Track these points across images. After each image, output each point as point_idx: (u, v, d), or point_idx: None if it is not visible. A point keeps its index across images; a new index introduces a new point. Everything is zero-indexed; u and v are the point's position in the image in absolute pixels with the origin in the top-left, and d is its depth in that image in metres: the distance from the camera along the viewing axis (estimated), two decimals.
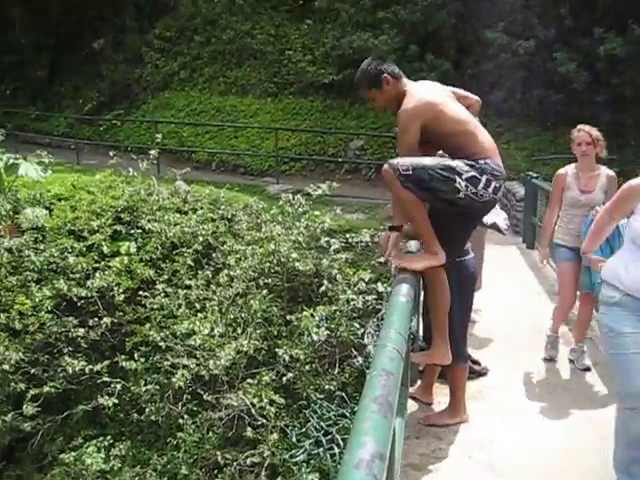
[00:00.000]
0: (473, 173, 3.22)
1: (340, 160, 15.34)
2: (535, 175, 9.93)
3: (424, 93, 3.36)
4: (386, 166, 3.24)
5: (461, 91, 3.71)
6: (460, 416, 3.90)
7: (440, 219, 3.31)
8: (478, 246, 5.54)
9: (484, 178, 3.23)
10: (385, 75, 3.37)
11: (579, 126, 5.28)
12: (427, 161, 3.25)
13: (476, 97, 3.80)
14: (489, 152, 3.33)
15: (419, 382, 4.31)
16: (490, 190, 3.25)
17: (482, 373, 4.66)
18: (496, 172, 3.27)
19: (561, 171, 5.37)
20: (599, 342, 5.45)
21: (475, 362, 4.60)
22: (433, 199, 3.26)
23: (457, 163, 3.24)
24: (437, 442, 3.66)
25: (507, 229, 5.41)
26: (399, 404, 2.78)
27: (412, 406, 4.07)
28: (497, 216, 5.13)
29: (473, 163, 3.25)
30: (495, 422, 3.98)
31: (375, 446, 1.38)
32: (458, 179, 3.19)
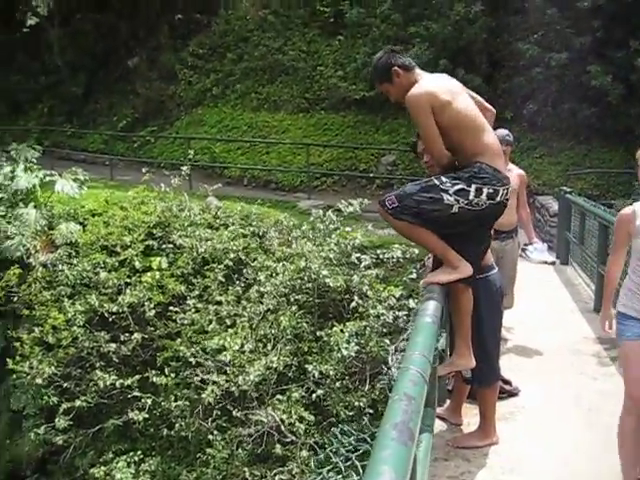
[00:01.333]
0: (460, 186, 3.17)
1: (372, 175, 15.30)
2: (569, 190, 9.78)
3: (432, 82, 3.35)
4: (378, 205, 3.30)
5: (478, 97, 3.65)
6: (490, 438, 3.80)
7: (450, 238, 3.28)
8: (510, 264, 5.50)
9: (473, 187, 3.18)
10: (395, 68, 3.36)
11: None
12: (410, 188, 3.25)
13: (492, 108, 3.74)
14: (489, 154, 3.29)
15: (448, 402, 4.23)
16: (484, 197, 3.20)
17: (513, 393, 4.56)
18: (488, 177, 3.21)
19: (626, 211, 3.65)
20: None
21: (506, 382, 4.50)
22: (432, 221, 3.21)
23: (442, 179, 3.20)
24: (466, 465, 3.57)
25: (555, 261, 5.52)
26: (425, 427, 2.73)
27: (441, 427, 3.99)
28: (542, 254, 5.44)
29: (461, 174, 3.21)
30: (526, 444, 3.87)
31: (393, 476, 1.33)
32: (445, 196, 3.16)
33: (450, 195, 3.16)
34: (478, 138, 3.30)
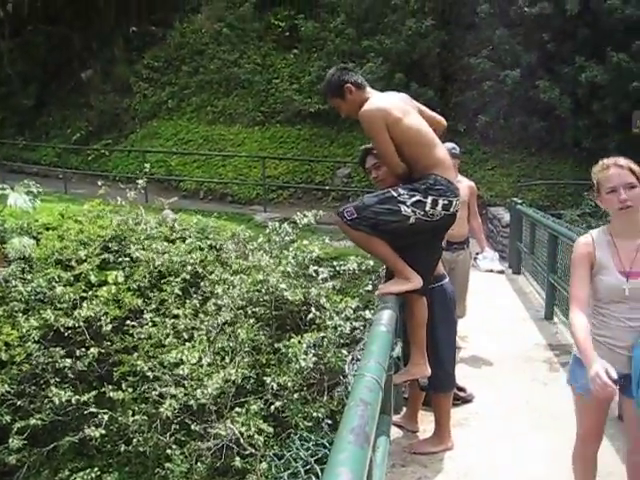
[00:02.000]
0: (417, 197, 3.29)
1: (327, 188, 15.44)
2: (520, 201, 10.04)
3: (384, 99, 3.47)
4: (335, 216, 3.38)
5: (428, 110, 3.78)
6: (445, 444, 3.91)
7: (404, 249, 3.38)
8: (462, 274, 5.65)
9: (430, 199, 3.30)
10: (348, 85, 3.47)
11: (607, 161, 3.10)
12: (368, 200, 3.34)
13: (442, 118, 3.87)
14: (442, 166, 3.41)
15: (404, 410, 4.32)
16: (439, 208, 3.32)
17: (467, 400, 4.68)
18: (443, 189, 3.33)
19: (582, 239, 3.08)
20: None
21: (460, 389, 4.62)
22: (389, 233, 3.31)
23: (399, 191, 3.31)
24: (422, 470, 3.67)
25: (503, 270, 5.74)
26: (382, 432, 2.81)
27: (397, 434, 4.08)
28: (491, 262, 5.54)
29: (417, 186, 3.32)
30: (480, 450, 3.99)
31: (350, 477, 1.41)
32: (403, 207, 3.27)
33: (407, 207, 3.27)
34: (430, 152, 3.41)
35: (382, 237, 3.32)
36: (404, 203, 3.28)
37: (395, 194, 3.30)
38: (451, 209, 3.37)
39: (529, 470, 3.77)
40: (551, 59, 13.83)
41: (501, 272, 5.87)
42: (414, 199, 3.28)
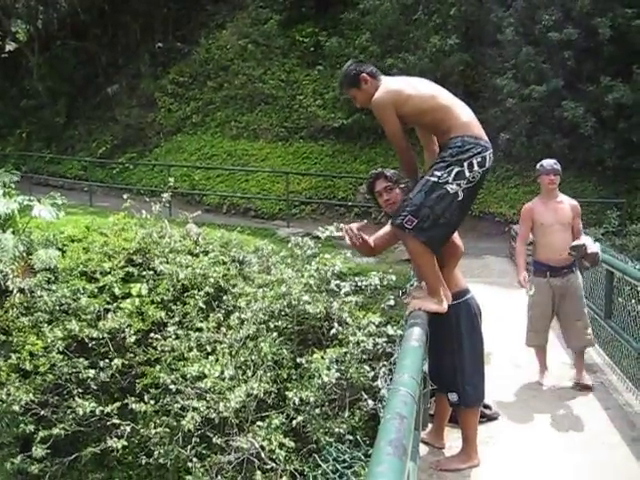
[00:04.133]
0: (455, 169, 3.37)
1: (350, 204, 15.47)
2: None
3: (392, 83, 3.59)
4: (394, 230, 3.53)
5: None
6: (472, 460, 3.89)
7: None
8: (577, 300, 5.52)
9: (465, 164, 3.38)
10: (363, 75, 3.58)
11: None
12: (416, 199, 3.40)
13: None
14: (464, 125, 3.49)
15: (430, 426, 4.31)
16: (476, 168, 3.41)
17: (493, 417, 4.65)
18: (472, 147, 3.42)
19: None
20: (610, 387, 5.46)
21: (486, 406, 4.59)
22: (450, 215, 3.41)
23: (436, 174, 3.38)
24: None
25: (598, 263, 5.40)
26: (412, 447, 2.81)
27: (424, 450, 4.07)
28: (594, 245, 5.23)
29: (448, 158, 3.40)
30: (506, 467, 3.97)
31: None
32: (449, 187, 3.36)
33: (451, 183, 3.36)
34: (449, 112, 3.51)
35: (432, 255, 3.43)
36: (447, 182, 3.37)
37: (434, 179, 3.38)
38: (487, 164, 3.47)
39: None
40: (576, 77, 13.78)
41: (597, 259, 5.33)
42: (453, 173, 3.37)
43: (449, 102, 3.56)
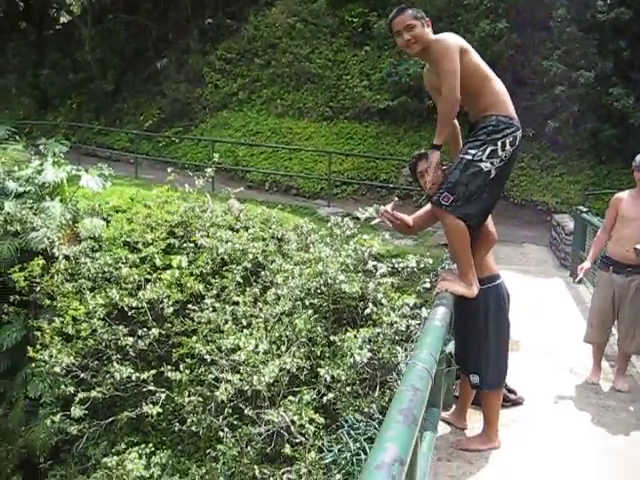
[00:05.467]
0: (489, 148, 3.47)
1: (392, 186, 15.46)
2: (585, 210, 9.86)
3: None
4: (433, 208, 3.60)
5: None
6: (492, 442, 3.95)
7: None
8: (637, 304, 5.26)
9: (499, 144, 3.48)
10: (428, 20, 3.66)
11: None
12: (453, 176, 3.50)
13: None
14: (502, 104, 3.58)
15: (454, 407, 4.37)
16: (508, 147, 3.52)
17: (517, 402, 4.69)
18: (505, 127, 3.51)
19: None
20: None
21: (511, 391, 4.64)
22: (484, 192, 3.52)
23: (471, 152, 3.48)
24: (468, 466, 3.73)
25: None
26: (429, 423, 2.89)
27: (446, 430, 4.14)
28: None
29: (482, 137, 3.49)
30: (526, 450, 4.02)
31: (397, 451, 1.51)
32: (483, 165, 3.46)
33: (485, 161, 3.46)
34: (490, 85, 3.60)
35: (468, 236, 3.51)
36: (481, 160, 3.47)
37: (469, 157, 3.49)
38: (517, 142, 3.56)
39: (574, 473, 3.78)
40: (627, 66, 13.49)
41: None
42: (487, 151, 3.48)
43: (492, 74, 3.65)
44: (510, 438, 4.07)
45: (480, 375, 3.76)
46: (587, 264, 5.58)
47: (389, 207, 3.85)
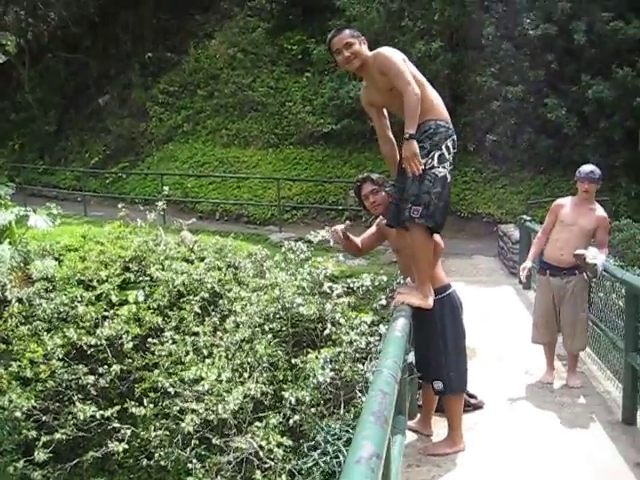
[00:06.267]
0: (436, 154, 3.67)
1: (341, 208, 15.70)
2: (528, 218, 10.25)
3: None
4: (408, 224, 3.73)
5: None
6: (457, 446, 4.13)
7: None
8: (573, 304, 5.44)
9: (443, 148, 3.69)
10: (363, 37, 3.88)
11: None
12: (412, 189, 3.67)
13: None
14: (437, 109, 3.79)
15: (418, 416, 4.54)
16: (451, 148, 3.73)
17: (478, 406, 4.89)
18: (443, 131, 3.72)
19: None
20: (590, 376, 5.72)
21: (472, 396, 4.83)
22: (445, 196, 3.72)
23: (422, 161, 3.62)
24: (436, 469, 3.90)
25: (597, 276, 5.30)
26: (398, 431, 3.05)
27: (413, 437, 4.30)
28: (599, 258, 5.15)
29: (426, 145, 3.66)
30: (490, 451, 4.20)
31: (373, 447, 1.66)
32: (436, 171, 3.65)
33: (438, 167, 3.65)
34: (425, 92, 3.74)
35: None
36: (433, 167, 3.65)
37: (422, 167, 3.62)
38: (456, 145, 3.79)
39: (539, 468, 3.98)
40: (557, 78, 14.10)
41: (597, 273, 5.19)
42: (436, 157, 3.66)
43: (426, 82, 3.83)
44: (474, 440, 4.25)
45: (443, 381, 3.94)
46: (528, 263, 5.82)
47: (340, 227, 4.03)
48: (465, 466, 3.96)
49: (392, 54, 3.73)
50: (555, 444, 4.32)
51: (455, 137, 3.79)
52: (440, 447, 4.14)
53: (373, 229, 4.18)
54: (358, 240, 4.14)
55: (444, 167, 3.66)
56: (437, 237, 3.96)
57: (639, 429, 4.47)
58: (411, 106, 3.61)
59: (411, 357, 3.63)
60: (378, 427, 1.79)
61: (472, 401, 4.82)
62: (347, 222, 4.34)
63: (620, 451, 4.14)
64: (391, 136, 4.03)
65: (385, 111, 4.02)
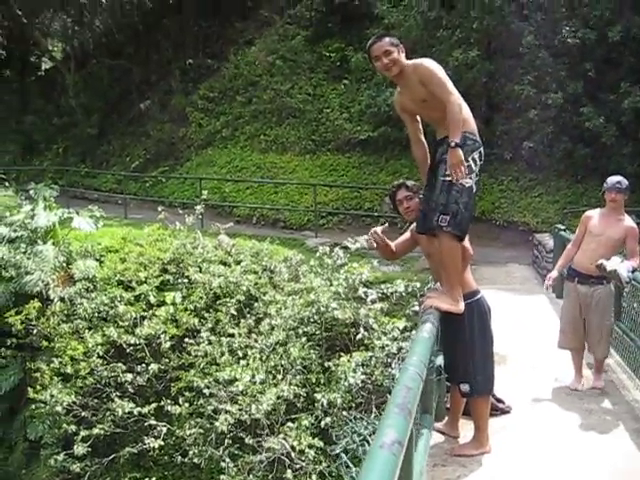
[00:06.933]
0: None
1: (376, 214, 15.79)
2: (563, 227, 10.23)
3: None
4: (436, 232, 3.86)
5: None
6: (483, 447, 4.22)
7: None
8: (598, 312, 5.58)
9: (470, 160, 3.81)
10: (402, 46, 3.99)
11: None
12: (439, 199, 3.82)
13: None
14: (468, 122, 3.90)
15: (446, 418, 4.64)
16: (477, 161, 3.87)
17: (505, 411, 4.97)
18: (471, 143, 3.85)
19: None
20: (620, 385, 5.75)
21: (499, 400, 4.92)
22: (472, 206, 3.89)
23: (448, 173, 3.77)
24: (462, 469, 4.00)
25: (627, 282, 5.35)
26: (424, 427, 3.17)
27: (440, 439, 4.41)
28: (620, 265, 5.23)
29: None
30: (517, 454, 4.29)
31: (395, 435, 1.79)
32: (463, 182, 3.77)
33: (465, 177, 3.77)
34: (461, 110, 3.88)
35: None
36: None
37: (449, 178, 3.78)
38: (482, 157, 3.92)
39: (563, 472, 4.05)
40: (595, 87, 14.03)
41: (623, 281, 5.24)
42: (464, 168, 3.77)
43: (459, 95, 3.93)
44: (500, 443, 4.34)
45: (470, 383, 4.05)
46: (554, 273, 5.98)
47: (379, 229, 4.17)
48: (490, 467, 4.05)
49: (434, 65, 3.88)
50: (580, 449, 4.38)
51: (482, 149, 3.91)
52: (466, 448, 4.24)
53: (407, 235, 4.32)
54: (393, 245, 4.28)
55: (470, 178, 3.79)
56: (466, 243, 4.07)
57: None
58: (455, 116, 3.76)
59: (440, 360, 3.75)
60: (401, 418, 1.92)
61: (500, 405, 4.90)
62: (386, 224, 4.49)
63: None
64: (424, 140, 4.17)
65: (418, 116, 4.16)
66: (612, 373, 5.81)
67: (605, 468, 4.13)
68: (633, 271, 5.30)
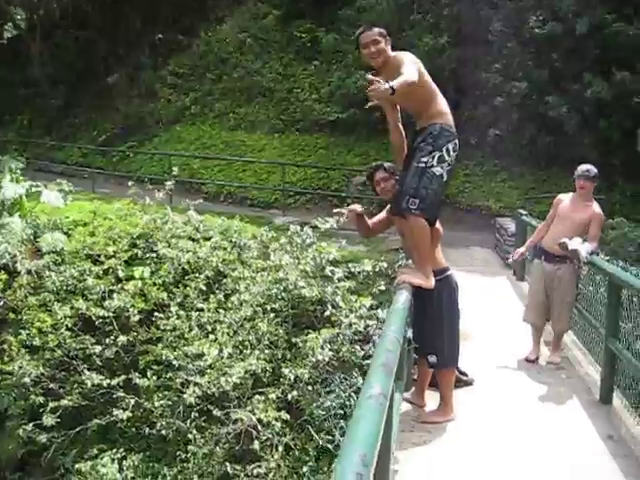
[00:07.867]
0: (437, 155, 4.00)
1: (343, 195, 16.00)
2: (525, 212, 10.57)
3: None
4: (406, 215, 4.04)
5: None
6: (448, 415, 4.51)
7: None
8: (562, 290, 5.93)
9: (444, 150, 4.02)
10: (389, 38, 4.19)
11: None
12: (410, 183, 4.02)
13: None
14: (445, 114, 4.13)
15: (413, 388, 4.89)
16: (452, 153, 4.06)
17: (469, 383, 5.26)
18: (447, 134, 4.06)
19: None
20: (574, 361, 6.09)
21: (463, 373, 5.20)
22: (440, 193, 4.11)
23: (422, 160, 3.99)
24: (427, 435, 4.27)
25: (585, 263, 5.66)
26: (396, 392, 3.38)
27: (407, 407, 4.67)
28: (581, 246, 5.57)
29: (428, 146, 4.01)
30: (479, 422, 4.58)
31: (381, 389, 2.00)
32: (434, 170, 3.99)
33: (436, 166, 3.99)
34: (437, 99, 4.14)
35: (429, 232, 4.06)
36: (433, 166, 3.99)
37: (422, 165, 4.00)
38: (457, 149, 4.12)
39: (520, 437, 4.33)
40: (560, 76, 14.39)
41: (582, 260, 5.58)
42: (436, 157, 4.00)
43: (438, 91, 4.19)
44: (464, 412, 4.63)
45: (437, 355, 4.31)
46: (522, 249, 6.51)
47: (358, 207, 4.38)
48: (454, 434, 4.34)
49: (410, 56, 4.06)
50: (536, 418, 4.69)
51: (457, 142, 4.13)
52: (432, 416, 4.51)
53: (383, 214, 4.54)
54: (369, 222, 4.49)
55: (442, 167, 4.01)
56: (437, 223, 4.30)
57: (614, 407, 4.89)
58: (406, 79, 3.71)
59: (409, 333, 3.97)
60: (385, 375, 2.13)
61: (463, 378, 5.18)
62: (365, 206, 4.72)
63: (596, 426, 4.52)
64: (401, 127, 4.36)
65: (398, 106, 4.35)
66: (568, 350, 6.17)
67: (559, 435, 4.43)
68: (591, 253, 5.62)
